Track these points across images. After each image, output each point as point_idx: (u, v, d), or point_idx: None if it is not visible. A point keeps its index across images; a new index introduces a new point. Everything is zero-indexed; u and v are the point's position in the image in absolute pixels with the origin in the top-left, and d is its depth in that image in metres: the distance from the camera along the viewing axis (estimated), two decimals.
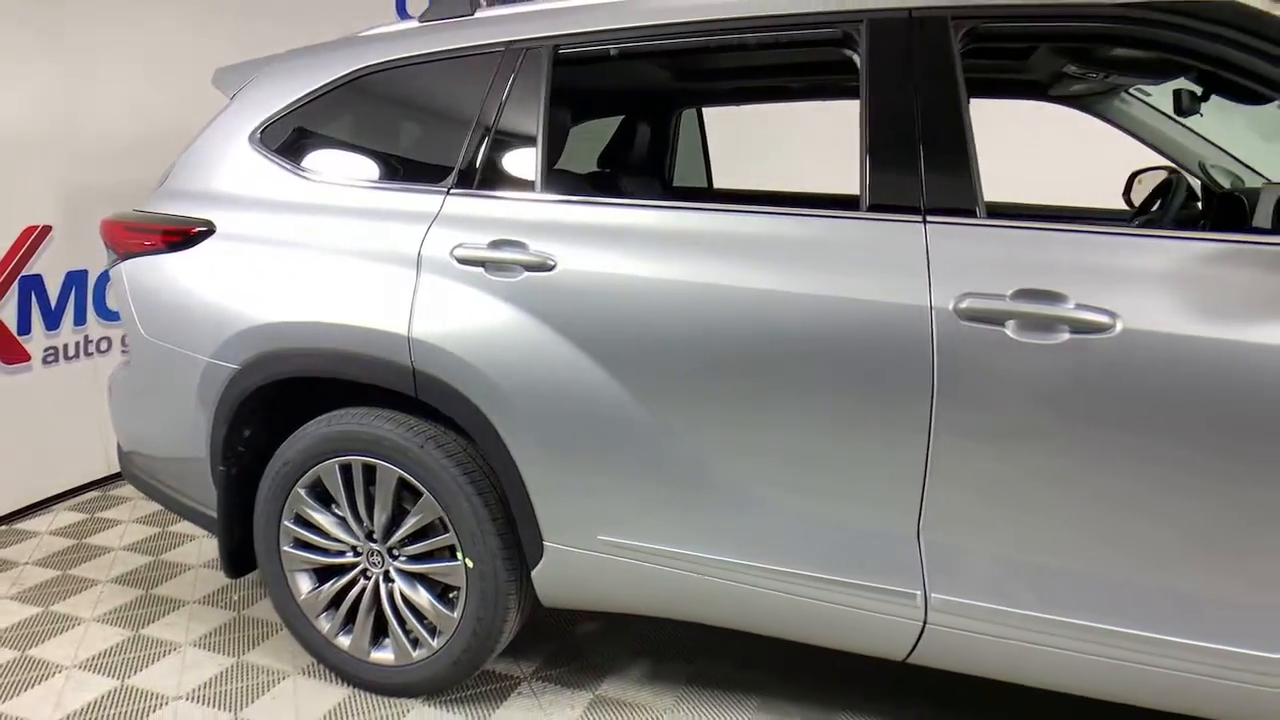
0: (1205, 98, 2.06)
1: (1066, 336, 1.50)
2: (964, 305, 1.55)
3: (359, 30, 2.31)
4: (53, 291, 3.42)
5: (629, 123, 2.50)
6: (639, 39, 1.93)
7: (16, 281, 3.29)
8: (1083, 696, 1.68)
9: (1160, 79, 2.24)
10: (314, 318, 2.03)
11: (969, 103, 1.68)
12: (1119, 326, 1.48)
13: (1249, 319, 1.43)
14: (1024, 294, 1.53)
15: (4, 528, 3.23)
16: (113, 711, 2.12)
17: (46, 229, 3.35)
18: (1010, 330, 1.53)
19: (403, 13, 4.67)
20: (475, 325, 1.89)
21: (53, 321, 3.44)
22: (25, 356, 3.34)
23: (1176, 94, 2.16)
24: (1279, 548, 1.45)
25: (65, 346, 3.48)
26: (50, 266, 3.38)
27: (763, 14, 1.82)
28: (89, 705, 2.14)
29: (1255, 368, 1.42)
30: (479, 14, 2.14)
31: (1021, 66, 2.47)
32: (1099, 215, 2.81)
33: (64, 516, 3.34)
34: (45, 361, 3.41)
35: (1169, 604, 1.53)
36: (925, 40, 1.68)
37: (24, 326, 3.34)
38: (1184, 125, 2.54)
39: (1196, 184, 2.49)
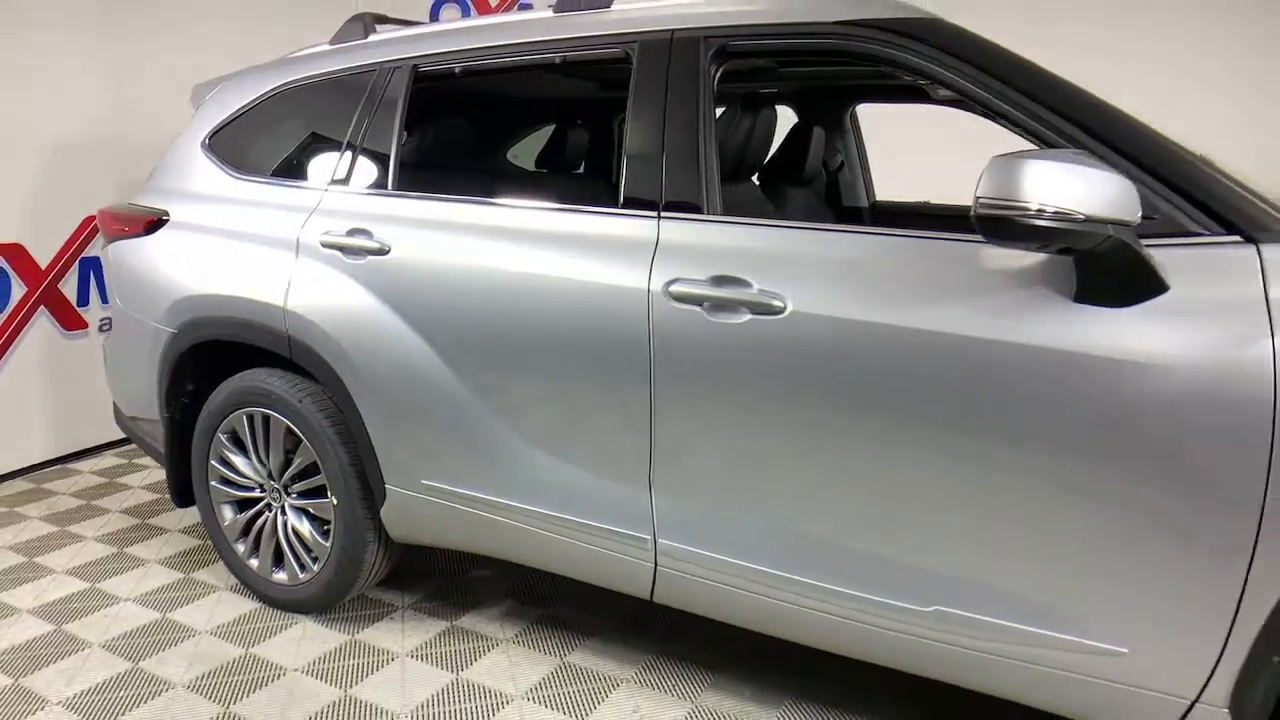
0: None
1: (748, 317, 1.72)
2: (673, 288, 1.80)
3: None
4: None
5: (509, 121, 2.83)
6: (482, 58, 2.25)
7: (77, 262, 3.97)
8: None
9: None
10: (223, 291, 2.47)
11: (713, 112, 1.90)
12: (789, 309, 1.68)
13: (901, 304, 1.60)
14: (718, 279, 1.76)
15: (58, 467, 3.91)
16: (75, 605, 2.64)
17: None
18: (705, 311, 1.76)
19: (436, 16, 5.21)
20: (331, 299, 2.27)
21: (108, 296, 4.09)
22: (83, 324, 4.01)
23: None
24: (928, 512, 1.62)
25: None
26: None
27: (565, 36, 2.11)
28: (60, 599, 2.68)
29: (907, 348, 1.59)
30: (373, 39, 2.52)
31: (890, 74, 2.62)
32: None
33: (106, 460, 3.99)
34: (100, 329, 4.07)
35: (840, 557, 1.72)
36: (680, 59, 1.92)
37: (83, 299, 4.01)
38: None
39: None
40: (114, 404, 3.08)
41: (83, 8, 3.79)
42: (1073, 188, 1.34)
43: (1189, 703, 1.47)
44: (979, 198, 1.38)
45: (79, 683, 2.23)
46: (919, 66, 1.70)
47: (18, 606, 2.63)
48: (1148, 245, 1.45)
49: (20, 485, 3.69)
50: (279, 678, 2.26)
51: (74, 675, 2.27)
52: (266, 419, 2.48)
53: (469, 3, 5.35)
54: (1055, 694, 1.59)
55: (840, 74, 2.79)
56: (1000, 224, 1.37)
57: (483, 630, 2.50)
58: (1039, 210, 1.35)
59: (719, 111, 2.24)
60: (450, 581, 2.79)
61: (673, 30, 1.95)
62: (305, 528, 2.49)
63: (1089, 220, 1.34)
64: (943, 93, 2.65)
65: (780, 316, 1.69)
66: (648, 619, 2.51)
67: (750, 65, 2.36)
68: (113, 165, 3.97)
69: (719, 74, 1.93)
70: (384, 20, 2.60)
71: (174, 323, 2.57)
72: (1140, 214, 1.38)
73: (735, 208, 2.10)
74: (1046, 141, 1.57)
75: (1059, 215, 1.34)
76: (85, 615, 2.59)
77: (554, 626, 2.51)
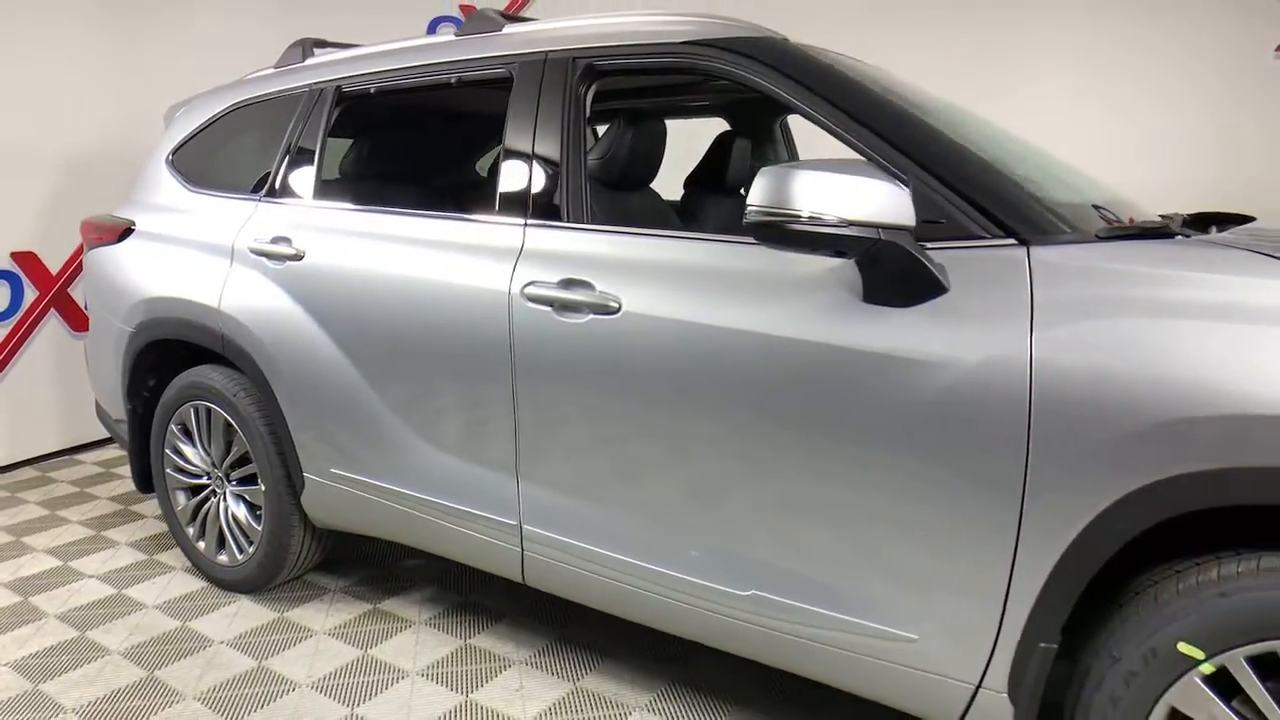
0: None
1: (589, 317, 1.84)
2: (528, 290, 1.93)
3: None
4: None
5: (414, 136, 2.99)
6: (396, 78, 2.42)
7: None
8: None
9: None
10: (170, 293, 2.69)
11: (582, 127, 2.03)
12: (623, 309, 1.80)
13: (717, 304, 1.70)
14: (566, 282, 1.88)
15: (66, 457, 4.22)
16: (44, 580, 2.89)
17: None
18: (554, 310, 1.89)
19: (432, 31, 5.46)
20: (256, 301, 2.46)
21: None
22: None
23: None
24: (742, 500, 1.71)
25: None
26: None
27: (463, 58, 2.26)
28: (33, 575, 2.93)
29: (721, 346, 1.69)
30: (310, 62, 2.72)
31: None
32: None
33: (108, 452, 4.29)
34: None
35: (670, 542, 1.82)
36: (552, 78, 2.06)
37: None
38: None
39: None
40: (95, 400, 3.34)
41: (93, 26, 4.11)
42: (841, 195, 1.44)
43: (974, 688, 1.53)
44: (749, 206, 1.48)
45: (28, 647, 2.46)
46: (751, 81, 1.81)
47: None
48: (937, 247, 1.53)
49: (28, 473, 4.00)
50: (205, 649, 2.45)
51: (25, 641, 2.49)
52: (209, 411, 2.69)
53: (462, 19, 5.59)
54: (857, 677, 1.66)
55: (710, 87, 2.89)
56: (771, 230, 1.47)
57: (400, 613, 2.65)
58: (808, 217, 1.44)
59: (606, 125, 2.37)
60: (384, 569, 2.96)
61: (547, 52, 2.09)
62: (242, 513, 2.69)
63: (854, 225, 1.43)
64: None
65: (615, 316, 1.81)
66: (556, 608, 2.63)
67: (634, 83, 2.48)
68: (119, 178, 4.25)
69: (589, 91, 2.06)
70: (323, 44, 2.80)
71: (132, 322, 2.80)
72: (914, 219, 1.46)
73: (625, 216, 2.22)
74: (858, 150, 1.66)
75: (825, 221, 1.44)
76: (51, 589, 2.82)
77: (467, 612, 2.65)
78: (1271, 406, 1.20)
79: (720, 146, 2.82)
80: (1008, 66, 4.68)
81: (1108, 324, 1.35)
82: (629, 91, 3.04)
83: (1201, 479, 1.26)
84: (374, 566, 2.98)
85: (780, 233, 1.47)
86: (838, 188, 1.44)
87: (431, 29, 5.51)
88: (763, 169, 1.48)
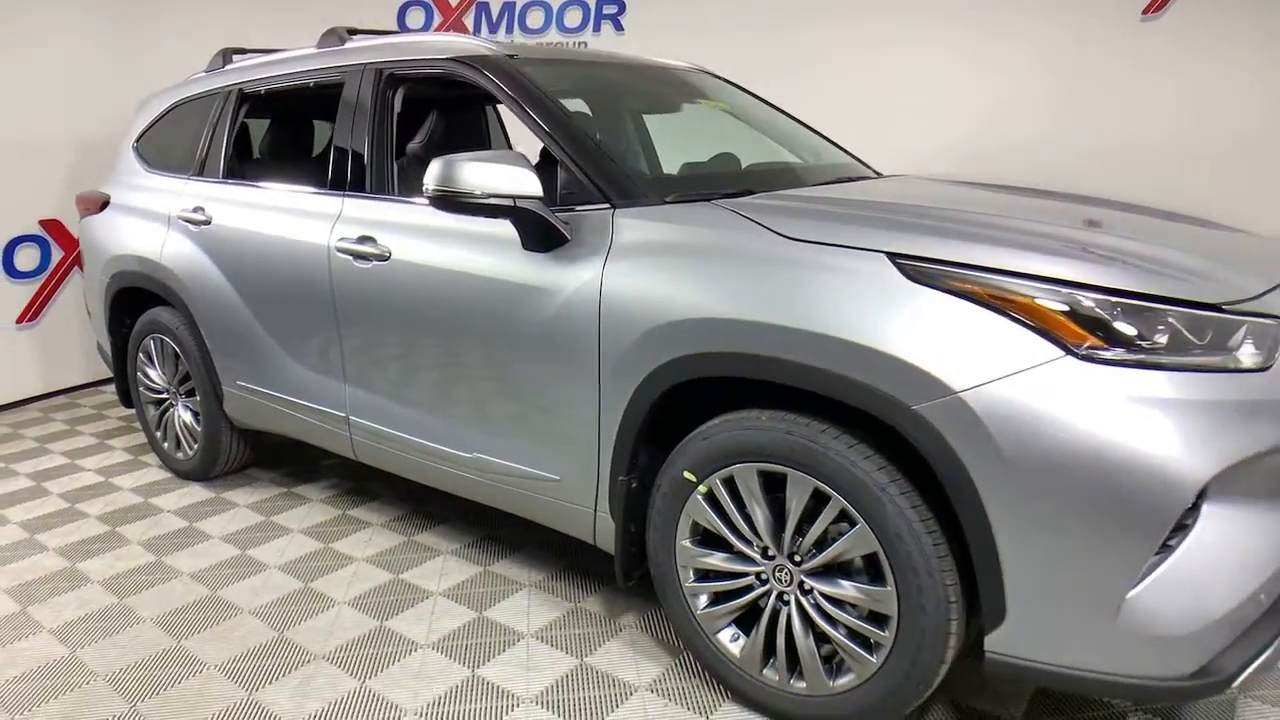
0: None
1: (374, 263, 2.57)
2: (337, 244, 2.67)
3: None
4: None
5: (289, 129, 3.75)
6: (276, 82, 3.16)
7: None
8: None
9: None
10: (130, 250, 3.52)
11: (387, 122, 2.72)
12: (393, 257, 2.52)
13: (443, 250, 2.41)
14: (361, 238, 2.61)
15: (93, 389, 5.19)
16: (53, 472, 3.81)
17: None
18: (353, 259, 2.62)
19: (401, 23, 6.14)
20: (183, 255, 3.27)
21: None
22: None
23: None
24: (462, 388, 2.43)
25: None
26: None
27: (317, 66, 2.99)
28: (49, 468, 3.86)
29: (446, 279, 2.40)
30: (228, 67, 3.48)
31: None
32: None
33: None
34: None
35: (427, 421, 2.56)
36: (367, 83, 2.76)
37: None
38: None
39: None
40: (97, 341, 4.24)
41: (106, 23, 4.96)
42: (486, 176, 2.11)
43: (593, 512, 2.24)
44: (426, 185, 2.16)
45: (33, 513, 3.37)
46: (483, 87, 2.48)
47: (19, 471, 3.83)
48: (580, 210, 2.19)
49: (60, 400, 4.98)
50: (155, 515, 3.31)
51: (32, 509, 3.41)
52: (162, 342, 3.53)
53: (432, 5, 6.26)
54: (538, 511, 2.39)
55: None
56: (445, 201, 2.16)
57: (305, 494, 3.48)
58: (466, 191, 2.12)
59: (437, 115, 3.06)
60: (307, 466, 3.79)
61: (364, 64, 2.80)
62: (189, 419, 3.54)
63: (495, 196, 2.11)
64: None
65: (387, 262, 2.53)
66: (406, 490, 3.40)
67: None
68: None
69: (396, 94, 2.75)
70: (241, 52, 3.54)
71: (108, 274, 3.66)
72: (540, 190, 2.13)
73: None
74: (540, 138, 2.33)
75: (476, 195, 2.12)
76: (58, 477, 3.75)
77: (359, 494, 3.45)
78: (699, 312, 1.86)
79: None
80: (877, 26, 5.11)
81: (635, 261, 2.01)
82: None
83: (678, 363, 1.92)
84: (301, 464, 3.81)
85: (448, 203, 2.15)
86: (484, 171, 2.11)
87: (401, 16, 6.21)
88: (436, 158, 2.16)
